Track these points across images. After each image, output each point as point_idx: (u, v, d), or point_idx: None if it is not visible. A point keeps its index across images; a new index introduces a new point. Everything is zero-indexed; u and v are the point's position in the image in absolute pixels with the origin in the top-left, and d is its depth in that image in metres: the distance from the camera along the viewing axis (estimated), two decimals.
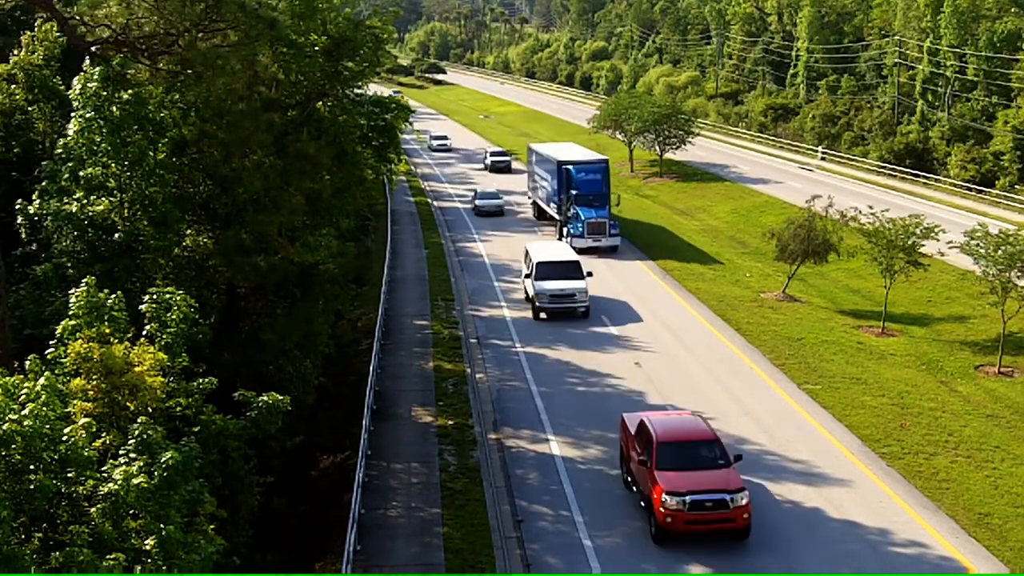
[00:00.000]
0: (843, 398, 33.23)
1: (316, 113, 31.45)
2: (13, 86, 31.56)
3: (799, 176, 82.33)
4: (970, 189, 73.30)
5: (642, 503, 24.46)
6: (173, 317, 20.09)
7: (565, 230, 56.45)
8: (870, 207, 45.33)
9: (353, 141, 32.29)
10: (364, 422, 28.49)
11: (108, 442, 16.81)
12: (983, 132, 78.26)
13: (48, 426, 14.25)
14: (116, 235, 24.98)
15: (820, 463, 28.16)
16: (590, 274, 43.38)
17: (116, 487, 14.69)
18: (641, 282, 49.76)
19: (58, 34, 30.47)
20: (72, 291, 19.24)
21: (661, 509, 22.97)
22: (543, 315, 42.27)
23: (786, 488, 26.61)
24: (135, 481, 14.72)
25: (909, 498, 26.11)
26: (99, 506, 14.72)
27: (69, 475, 14.64)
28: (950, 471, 27.77)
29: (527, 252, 45.49)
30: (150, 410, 17.94)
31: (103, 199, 25.31)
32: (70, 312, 18.77)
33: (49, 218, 25.12)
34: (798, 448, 29.21)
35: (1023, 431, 31.58)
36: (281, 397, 20.93)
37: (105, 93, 24.62)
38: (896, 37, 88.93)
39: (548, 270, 42.92)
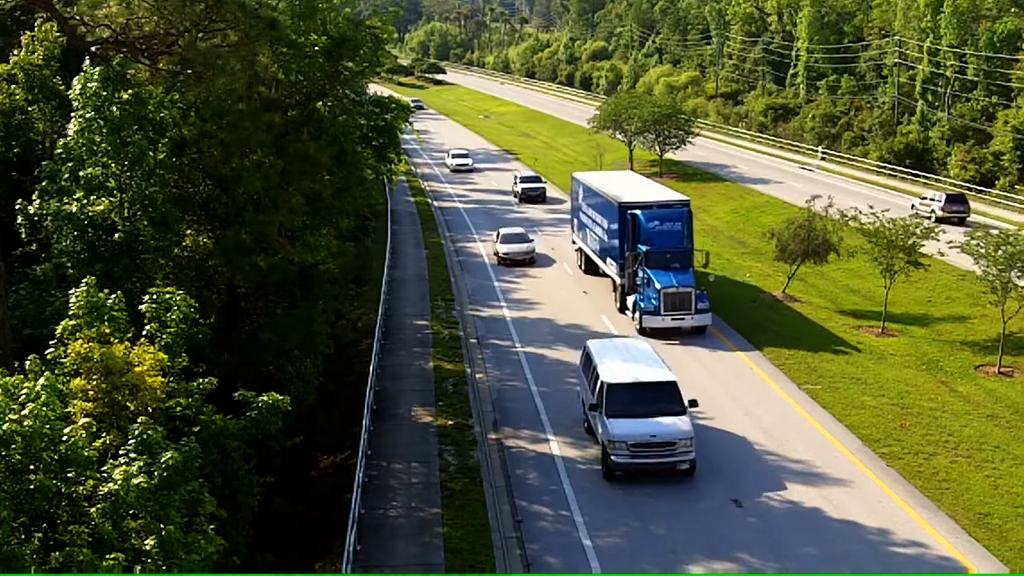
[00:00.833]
0: (843, 398, 33.23)
1: (316, 113, 31.46)
2: (13, 86, 31.56)
3: (799, 176, 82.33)
4: (970, 189, 73.29)
5: None
6: (173, 317, 20.08)
7: (631, 301, 41.16)
8: (870, 207, 45.34)
9: (353, 141, 32.31)
10: (364, 422, 28.48)
11: (108, 442, 16.80)
12: (983, 132, 78.25)
13: (48, 426, 14.25)
14: (116, 235, 24.98)
15: (820, 463, 28.16)
16: (693, 402, 27.95)
17: (116, 487, 14.68)
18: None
19: (58, 34, 30.46)
20: (72, 291, 19.23)
21: None
22: (618, 473, 26.93)
23: (786, 488, 26.61)
24: (135, 481, 14.71)
25: (909, 498, 26.11)
26: (99, 506, 14.71)
27: (69, 475, 14.63)
28: (950, 471, 27.77)
29: (588, 356, 30.16)
30: (150, 410, 17.94)
31: (103, 199, 25.30)
32: (70, 312, 18.76)
33: (49, 218, 25.11)
34: (798, 448, 29.20)
35: (1023, 431, 31.58)
36: (281, 397, 20.92)
37: (105, 93, 24.61)
38: (896, 37, 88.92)
39: (626, 399, 27.18)
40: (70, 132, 25.49)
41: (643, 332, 38.84)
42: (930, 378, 36.93)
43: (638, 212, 41.93)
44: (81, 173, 25.07)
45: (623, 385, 27.40)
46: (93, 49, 24.95)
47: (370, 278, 48.56)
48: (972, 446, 29.79)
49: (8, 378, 14.90)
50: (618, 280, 43.04)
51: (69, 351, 17.89)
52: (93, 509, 14.73)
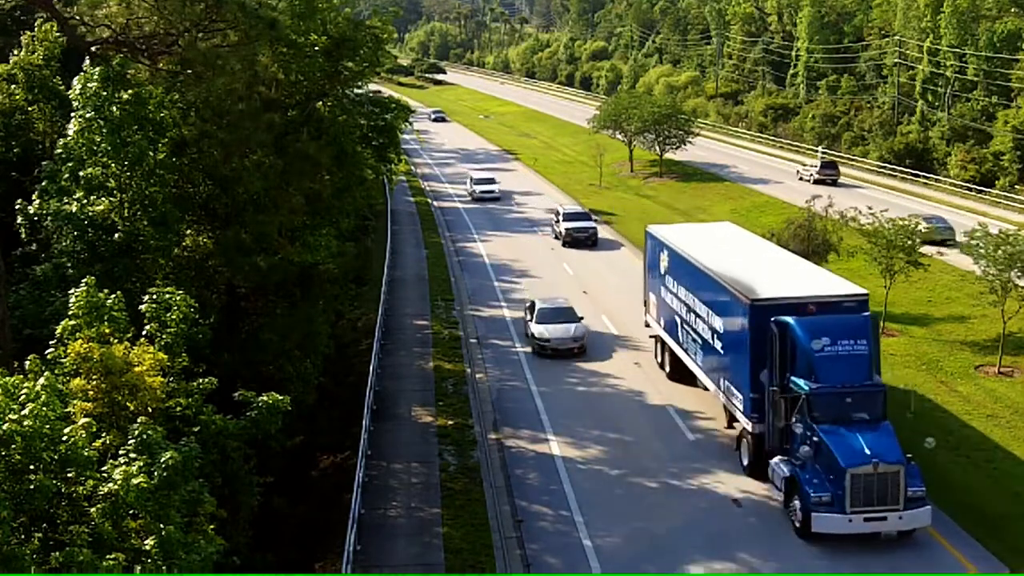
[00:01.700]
0: None
1: (316, 113, 31.46)
2: (13, 86, 31.54)
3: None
4: (970, 189, 73.29)
5: None
6: (173, 317, 20.07)
7: (780, 470, 25.24)
8: (870, 207, 45.33)
9: (353, 141, 32.31)
10: (364, 422, 28.49)
11: (108, 442, 16.79)
12: (983, 132, 78.26)
13: (48, 426, 14.24)
14: (116, 235, 24.96)
15: None
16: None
17: (116, 487, 14.68)
18: (641, 282, 49.67)
19: (58, 34, 30.45)
20: (72, 291, 19.21)
21: None
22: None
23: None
24: (135, 481, 14.70)
25: None
26: (99, 506, 14.70)
27: (69, 475, 14.62)
28: (950, 471, 27.75)
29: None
30: (150, 410, 17.93)
31: (103, 199, 25.29)
32: (70, 312, 18.75)
33: (49, 218, 25.09)
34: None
35: (1023, 431, 31.57)
36: (281, 397, 20.91)
37: (105, 93, 24.59)
38: (896, 37, 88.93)
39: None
40: (70, 132, 25.46)
41: (806, 533, 23.67)
42: (930, 378, 36.93)
43: (790, 321, 25.37)
44: (81, 173, 25.06)
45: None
46: (93, 49, 24.96)
47: (370, 278, 48.54)
48: (972, 446, 29.78)
49: (8, 378, 14.89)
50: (749, 426, 26.79)
51: (69, 351, 17.88)
52: (93, 509, 14.73)
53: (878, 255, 42.80)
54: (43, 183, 25.92)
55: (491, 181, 76.96)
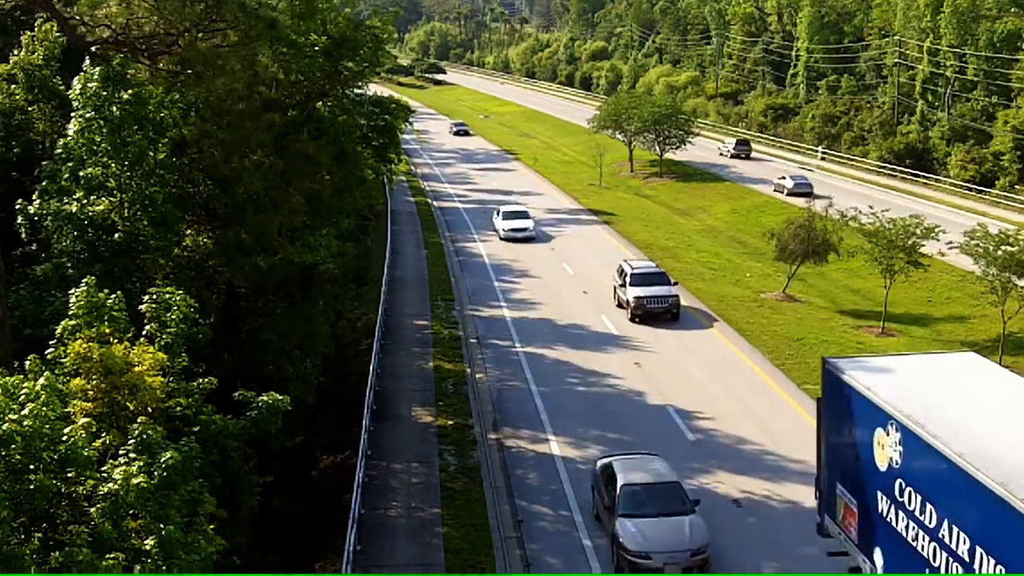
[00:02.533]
0: None
1: (316, 113, 31.44)
2: (13, 86, 31.53)
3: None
4: (970, 189, 73.31)
5: None
6: (173, 317, 20.05)
7: None
8: (870, 207, 45.35)
9: (353, 141, 32.30)
10: (364, 422, 28.49)
11: (108, 442, 16.78)
12: (983, 132, 78.28)
13: (48, 426, 14.23)
14: (116, 235, 24.95)
15: None
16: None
17: (116, 487, 14.67)
18: None
19: (58, 34, 30.42)
20: (72, 291, 19.19)
21: None
22: None
23: (786, 488, 26.60)
24: (135, 481, 14.69)
25: None
26: (99, 506, 14.70)
27: (69, 475, 14.61)
28: None
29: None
30: (150, 410, 17.92)
31: (103, 199, 25.27)
32: (70, 312, 18.74)
33: (49, 218, 25.07)
34: (798, 448, 29.15)
35: None
36: (281, 397, 20.90)
37: (105, 93, 24.57)
38: (896, 37, 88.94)
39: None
40: (70, 132, 25.44)
41: None
42: None
43: None
44: (81, 173, 25.04)
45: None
46: (93, 49, 24.93)
47: (370, 278, 48.55)
48: None
49: (8, 378, 14.89)
50: None
51: (69, 351, 17.87)
52: (93, 509, 14.72)
53: (878, 255, 42.85)
54: (43, 183, 25.91)
55: (523, 215, 60.79)
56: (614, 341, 39.63)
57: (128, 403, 17.80)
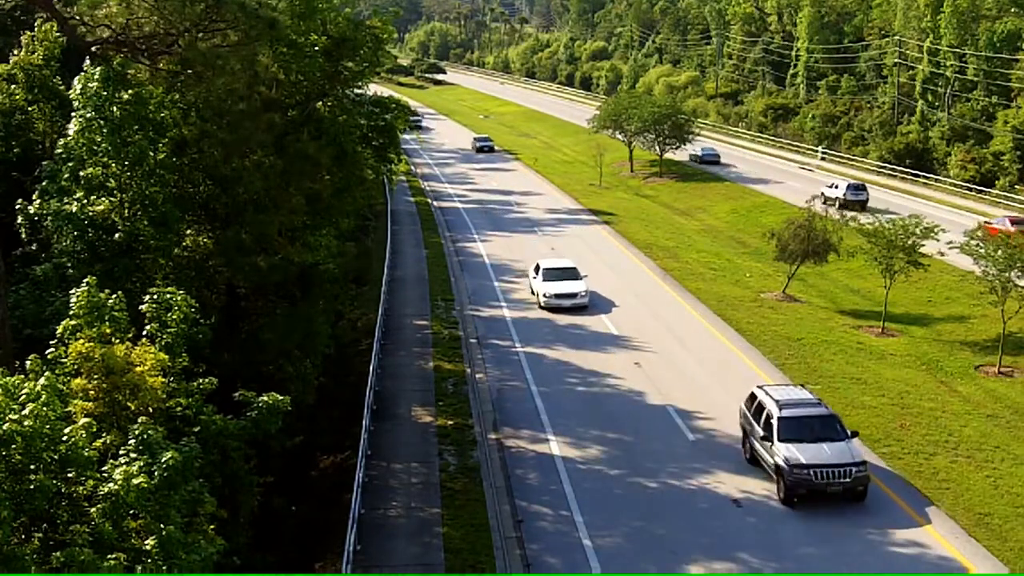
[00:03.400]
0: (843, 398, 33.21)
1: (316, 113, 31.45)
2: (13, 86, 31.54)
3: (799, 176, 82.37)
4: (970, 189, 73.33)
5: None
6: (173, 317, 20.07)
7: None
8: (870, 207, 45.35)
9: (353, 141, 32.29)
10: (364, 422, 28.48)
11: (108, 442, 16.79)
12: (983, 132, 78.31)
13: (48, 426, 14.23)
14: (116, 235, 24.96)
15: None
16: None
17: (116, 487, 14.67)
18: (641, 282, 49.75)
19: (58, 34, 30.44)
20: (72, 291, 19.20)
21: None
22: None
23: None
24: (135, 481, 14.70)
25: (909, 498, 26.10)
26: (99, 506, 14.70)
27: (69, 475, 14.62)
28: (950, 471, 27.76)
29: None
30: (150, 410, 17.93)
31: (103, 199, 25.29)
32: (70, 312, 18.75)
33: (49, 218, 25.09)
34: None
35: (1023, 431, 31.57)
36: (281, 397, 20.91)
37: (105, 93, 24.59)
38: (896, 37, 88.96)
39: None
40: (70, 132, 25.46)
41: None
42: (930, 378, 36.94)
43: None
44: (81, 173, 25.06)
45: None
46: (93, 49, 24.93)
47: (370, 278, 48.58)
48: (972, 446, 29.78)
49: (8, 378, 14.89)
50: None
51: (69, 351, 17.88)
52: (93, 509, 14.72)
53: (878, 255, 42.84)
54: (43, 183, 25.93)
55: (572, 274, 43.65)
56: (614, 341, 39.63)
57: (129, 403, 17.81)
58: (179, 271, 26.37)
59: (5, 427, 13.81)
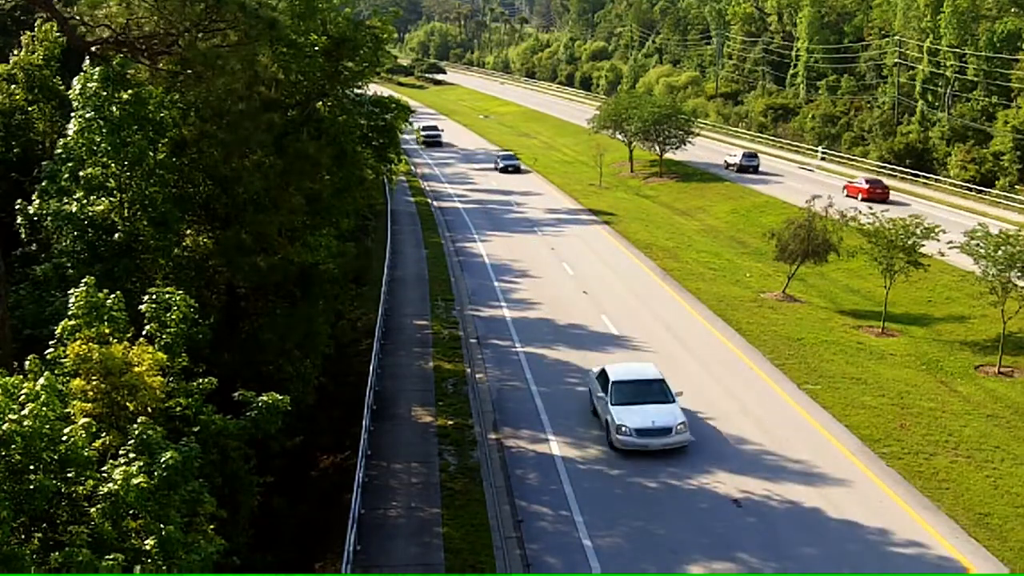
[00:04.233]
0: (843, 398, 33.23)
1: (316, 113, 31.45)
2: (13, 86, 31.55)
3: (799, 176, 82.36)
4: (970, 189, 73.34)
5: None
6: (173, 317, 20.06)
7: None
8: (870, 207, 45.35)
9: (353, 141, 32.29)
10: (364, 422, 28.48)
11: (108, 442, 16.78)
12: (983, 132, 78.32)
13: (48, 426, 14.24)
14: (116, 235, 24.96)
15: (820, 463, 28.15)
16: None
17: (116, 487, 14.67)
18: (641, 282, 49.76)
19: (58, 34, 30.46)
20: (72, 291, 19.20)
21: None
22: None
23: (786, 488, 26.60)
24: (135, 481, 14.70)
25: (909, 498, 26.11)
26: (99, 506, 14.70)
27: (69, 475, 14.62)
28: (950, 471, 27.77)
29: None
30: (150, 410, 17.92)
31: (103, 199, 25.28)
32: (70, 312, 18.74)
33: (49, 218, 25.09)
34: (798, 448, 29.20)
35: (1023, 431, 31.57)
36: (281, 397, 20.90)
37: (105, 93, 24.58)
38: (896, 37, 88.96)
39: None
40: (70, 132, 25.45)
41: None
42: (930, 378, 36.93)
43: None
44: (81, 173, 25.06)
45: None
46: (93, 49, 24.94)
47: (370, 278, 48.56)
48: (972, 446, 29.79)
49: (8, 378, 14.89)
50: None
51: (69, 351, 17.87)
52: (93, 509, 14.72)
53: (878, 255, 42.85)
54: (43, 183, 25.92)
55: (659, 392, 30.20)
56: (614, 341, 39.63)
57: (128, 403, 17.80)
58: (179, 271, 26.36)
59: (5, 427, 13.81)
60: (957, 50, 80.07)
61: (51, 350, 18.46)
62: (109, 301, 18.91)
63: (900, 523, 24.73)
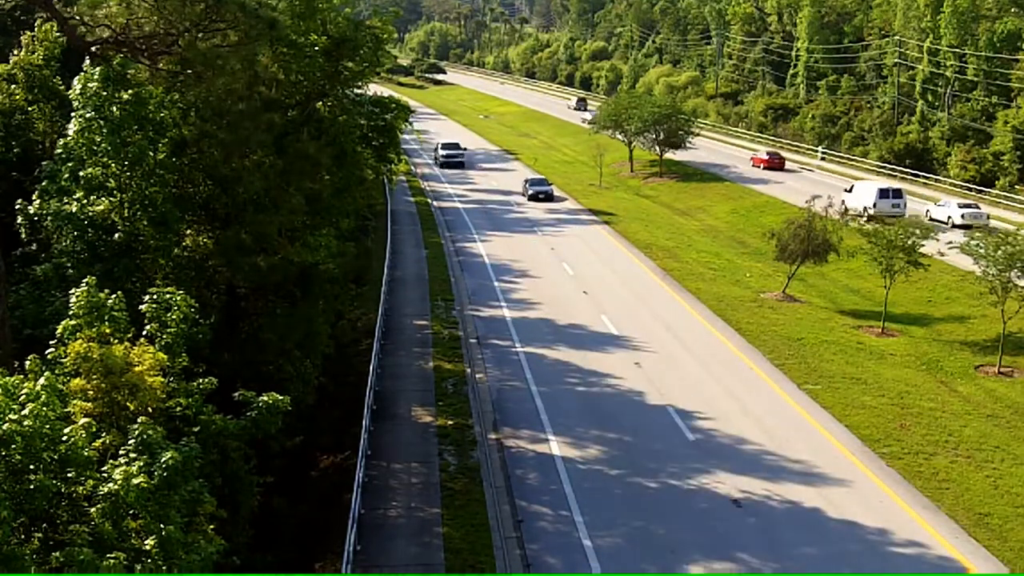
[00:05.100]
0: (843, 398, 33.24)
1: (316, 113, 31.44)
2: (13, 86, 31.54)
3: (799, 176, 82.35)
4: (970, 189, 73.31)
5: None
6: (173, 317, 20.06)
7: None
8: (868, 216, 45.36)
9: (353, 141, 32.28)
10: (364, 422, 28.48)
11: (108, 442, 16.78)
12: (983, 132, 78.31)
13: (48, 426, 14.23)
14: (116, 235, 24.95)
15: (820, 463, 28.16)
16: None
17: (116, 487, 14.67)
18: (641, 282, 49.77)
19: (58, 34, 30.44)
20: (72, 291, 19.19)
21: None
22: None
23: (786, 488, 26.61)
24: (135, 481, 14.69)
25: (909, 498, 26.12)
26: (99, 506, 14.70)
27: (69, 475, 14.61)
28: (950, 471, 27.77)
29: None
30: (150, 410, 17.92)
31: (103, 199, 25.27)
32: (70, 312, 18.74)
33: (49, 218, 25.08)
34: (798, 448, 29.21)
35: (1023, 431, 31.58)
36: (281, 397, 20.89)
37: (105, 93, 24.57)
38: (896, 37, 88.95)
39: None
40: (70, 132, 25.44)
41: None
42: (930, 378, 36.94)
43: None
44: (81, 173, 25.04)
45: None
46: (93, 49, 24.93)
47: (370, 278, 48.54)
48: (972, 446, 29.79)
49: (8, 378, 14.89)
50: None
51: (69, 351, 17.87)
52: (93, 509, 14.72)
53: (878, 255, 42.86)
54: (43, 183, 25.91)
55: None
56: (614, 341, 39.64)
57: (128, 403, 17.80)
58: (179, 271, 26.35)
59: (5, 427, 13.80)
60: (957, 50, 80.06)
61: (51, 350, 18.46)
62: (110, 301, 18.91)
63: (900, 523, 24.74)
